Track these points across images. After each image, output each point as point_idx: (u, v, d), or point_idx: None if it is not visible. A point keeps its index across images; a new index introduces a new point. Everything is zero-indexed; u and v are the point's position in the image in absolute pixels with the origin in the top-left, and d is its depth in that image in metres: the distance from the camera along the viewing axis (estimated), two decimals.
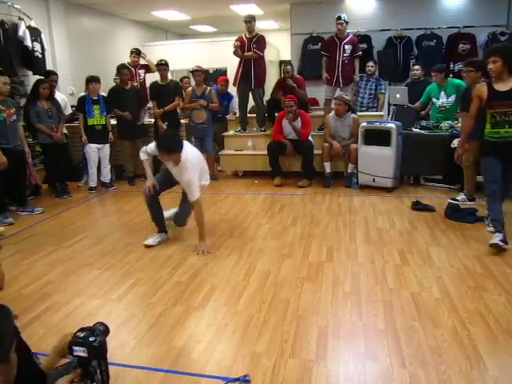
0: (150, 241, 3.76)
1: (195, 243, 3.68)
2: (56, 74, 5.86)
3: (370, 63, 6.45)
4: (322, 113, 6.27)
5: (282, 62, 10.13)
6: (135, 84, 6.47)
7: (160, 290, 2.96)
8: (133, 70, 6.64)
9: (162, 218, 3.90)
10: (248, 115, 6.42)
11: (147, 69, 6.91)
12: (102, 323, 1.65)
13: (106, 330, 1.64)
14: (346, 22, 5.74)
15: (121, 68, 6.01)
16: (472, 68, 4.26)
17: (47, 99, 5.23)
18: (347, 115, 5.55)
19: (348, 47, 5.77)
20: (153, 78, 6.53)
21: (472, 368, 2.04)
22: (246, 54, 5.87)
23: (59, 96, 5.72)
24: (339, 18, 5.72)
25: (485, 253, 3.38)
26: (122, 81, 5.97)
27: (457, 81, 5.50)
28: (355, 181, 5.63)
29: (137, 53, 6.80)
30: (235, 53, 5.91)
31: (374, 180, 5.38)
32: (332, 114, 5.67)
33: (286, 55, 9.04)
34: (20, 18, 5.95)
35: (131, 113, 5.89)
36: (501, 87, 3.38)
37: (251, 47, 5.85)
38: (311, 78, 7.17)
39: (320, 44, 7.41)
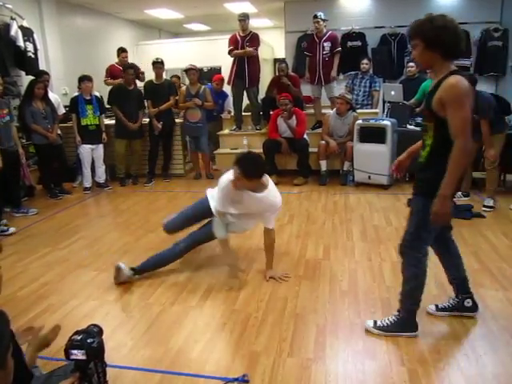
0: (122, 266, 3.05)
1: None
2: (48, 74, 5.79)
3: (365, 60, 6.45)
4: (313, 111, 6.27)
5: (276, 60, 10.11)
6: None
7: (157, 290, 2.94)
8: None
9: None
10: (243, 114, 6.40)
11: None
12: (95, 325, 1.64)
13: (100, 331, 1.63)
14: (323, 20, 5.72)
15: (127, 68, 5.98)
16: None
17: (42, 99, 5.20)
18: (348, 114, 5.55)
19: (327, 44, 5.76)
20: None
21: (470, 365, 2.05)
22: (245, 51, 5.78)
23: (52, 96, 5.66)
24: (315, 16, 5.71)
25: (481, 248, 3.39)
26: (126, 80, 5.92)
27: None
28: (351, 178, 5.64)
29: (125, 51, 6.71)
30: (232, 53, 5.87)
31: (369, 177, 5.38)
32: (333, 112, 5.66)
33: (281, 53, 9.03)
34: (12, 18, 5.89)
35: (131, 114, 5.88)
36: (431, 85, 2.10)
37: (245, 45, 5.83)
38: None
39: None
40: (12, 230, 4.26)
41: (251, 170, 2.75)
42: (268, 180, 2.95)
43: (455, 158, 1.92)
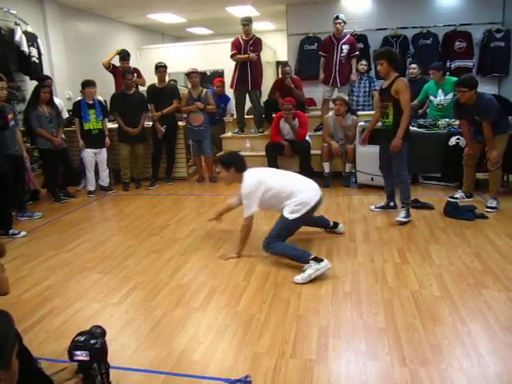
0: None
1: (195, 245, 3.68)
2: (50, 79, 5.83)
3: (363, 62, 6.46)
4: (319, 113, 6.27)
5: (278, 63, 10.15)
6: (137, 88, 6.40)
7: (160, 292, 2.96)
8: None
9: None
10: (246, 116, 6.43)
11: (138, 73, 6.77)
12: (98, 326, 1.66)
13: (103, 333, 1.65)
14: (344, 22, 5.75)
15: (125, 73, 5.99)
16: (464, 88, 4.10)
17: (47, 103, 5.24)
18: (347, 116, 5.55)
19: (345, 47, 5.79)
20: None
21: (473, 365, 2.04)
22: (248, 56, 5.81)
23: (56, 100, 5.70)
24: (337, 17, 5.72)
25: (484, 249, 3.39)
26: (126, 85, 5.94)
27: (454, 79, 5.50)
28: (354, 180, 5.64)
29: (127, 57, 6.62)
30: (235, 57, 5.90)
31: (372, 179, 5.38)
32: (331, 114, 5.67)
33: (283, 56, 9.06)
34: (16, 24, 5.96)
35: (132, 119, 5.90)
36: None
37: (248, 50, 5.86)
38: (308, 78, 7.18)
39: (316, 44, 7.44)
40: (23, 233, 4.30)
41: (242, 164, 3.49)
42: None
43: (406, 117, 3.92)
